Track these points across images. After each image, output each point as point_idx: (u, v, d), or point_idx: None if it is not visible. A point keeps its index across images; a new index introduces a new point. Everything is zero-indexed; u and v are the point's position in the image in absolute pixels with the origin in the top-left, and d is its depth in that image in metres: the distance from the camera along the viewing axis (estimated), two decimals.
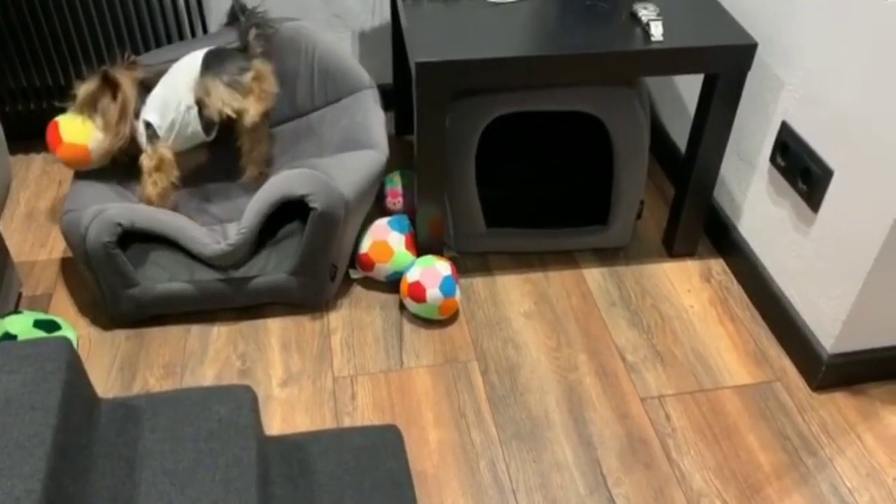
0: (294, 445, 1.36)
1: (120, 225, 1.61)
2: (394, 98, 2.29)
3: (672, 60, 1.63)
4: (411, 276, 1.75)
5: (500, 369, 1.69)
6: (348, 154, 1.77)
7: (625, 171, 1.80)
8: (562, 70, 1.62)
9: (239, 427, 1.20)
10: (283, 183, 1.65)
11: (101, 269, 1.64)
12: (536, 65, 1.60)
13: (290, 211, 1.69)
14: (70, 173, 2.18)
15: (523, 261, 1.95)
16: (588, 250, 1.98)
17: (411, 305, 1.76)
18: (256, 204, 1.66)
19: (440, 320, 1.78)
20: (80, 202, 1.76)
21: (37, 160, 2.27)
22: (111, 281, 1.67)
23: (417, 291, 1.73)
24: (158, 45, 2.13)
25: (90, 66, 2.13)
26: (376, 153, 1.78)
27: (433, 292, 1.72)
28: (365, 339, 1.75)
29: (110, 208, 1.64)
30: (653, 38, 1.63)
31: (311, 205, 1.61)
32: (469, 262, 1.95)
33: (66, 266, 1.91)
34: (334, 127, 1.93)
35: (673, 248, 1.96)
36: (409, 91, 2.24)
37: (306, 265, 1.70)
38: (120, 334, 1.74)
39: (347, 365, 1.69)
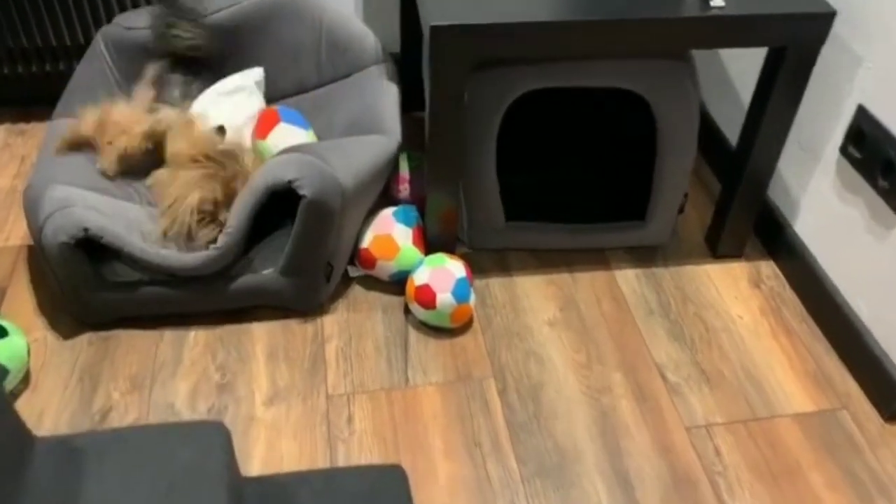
0: (278, 489, 1.13)
1: (86, 230, 1.37)
2: (401, 68, 2.03)
3: (734, 31, 1.38)
4: (419, 278, 1.51)
5: (521, 389, 1.45)
6: (352, 138, 1.52)
7: (669, 159, 1.55)
8: (602, 39, 1.36)
9: (207, 475, 0.97)
10: (268, 170, 1.40)
11: (58, 268, 1.40)
12: (572, 32, 1.34)
13: (287, 203, 1.44)
14: (37, 148, 1.94)
15: (546, 259, 1.71)
16: (621, 248, 1.74)
17: (419, 311, 1.52)
18: (242, 199, 1.41)
19: (451, 329, 1.55)
20: (45, 176, 1.52)
21: None
22: (71, 281, 1.43)
23: (426, 296, 1.49)
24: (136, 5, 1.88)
25: (57, 26, 1.87)
26: (386, 139, 1.53)
27: (444, 297, 1.48)
28: (364, 350, 1.51)
29: (77, 202, 1.39)
30: (712, 4, 1.37)
31: (300, 192, 1.36)
32: (485, 260, 1.70)
33: (26, 256, 1.67)
34: (342, 107, 1.68)
35: (718, 247, 1.71)
36: (419, 60, 1.98)
37: (298, 263, 1.45)
38: (82, 339, 1.51)
39: (344, 380, 1.46)
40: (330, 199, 1.38)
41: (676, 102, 1.48)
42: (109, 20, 1.83)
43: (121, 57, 1.75)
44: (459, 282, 1.50)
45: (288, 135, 1.58)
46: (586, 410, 1.42)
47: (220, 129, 1.61)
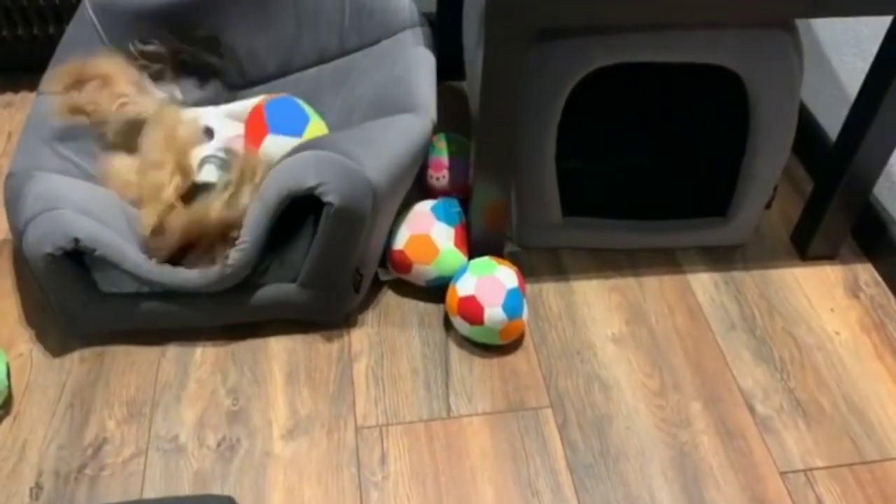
0: None
1: (77, 241, 1.15)
2: (437, 30, 1.78)
3: None
4: (464, 288, 1.28)
5: (585, 422, 1.23)
6: (378, 122, 1.28)
7: (763, 147, 1.30)
8: (692, 4, 1.11)
9: None
10: (285, 174, 1.16)
11: (43, 279, 1.19)
12: None
13: (304, 201, 1.20)
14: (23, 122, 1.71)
15: (607, 259, 1.48)
16: (694, 247, 1.50)
17: (462, 326, 1.30)
18: (256, 208, 1.18)
19: (500, 345, 1.33)
20: (28, 162, 1.30)
21: None
22: (58, 293, 1.22)
23: (472, 309, 1.27)
24: None
25: None
26: (417, 118, 1.28)
27: (494, 312, 1.26)
28: (399, 370, 1.30)
29: (66, 202, 1.17)
30: None
31: (325, 199, 1.13)
32: (536, 261, 1.47)
33: (11, 253, 1.46)
34: (367, 79, 1.43)
35: (808, 248, 1.47)
36: (458, 21, 1.72)
37: (321, 274, 1.23)
38: (73, 355, 1.30)
39: (375, 409, 1.24)
40: (360, 204, 1.15)
41: (776, 80, 1.22)
42: None
43: (111, 24, 1.50)
44: (511, 293, 1.27)
45: (279, 148, 1.32)
46: (662, 450, 1.20)
47: (208, 132, 1.38)
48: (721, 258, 1.48)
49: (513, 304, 1.26)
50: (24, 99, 1.79)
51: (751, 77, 1.22)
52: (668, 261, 1.47)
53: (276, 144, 1.32)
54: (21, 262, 1.41)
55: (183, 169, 1.28)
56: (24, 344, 1.31)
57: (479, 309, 1.26)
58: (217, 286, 1.20)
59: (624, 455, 1.19)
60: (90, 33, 1.51)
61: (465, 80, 1.80)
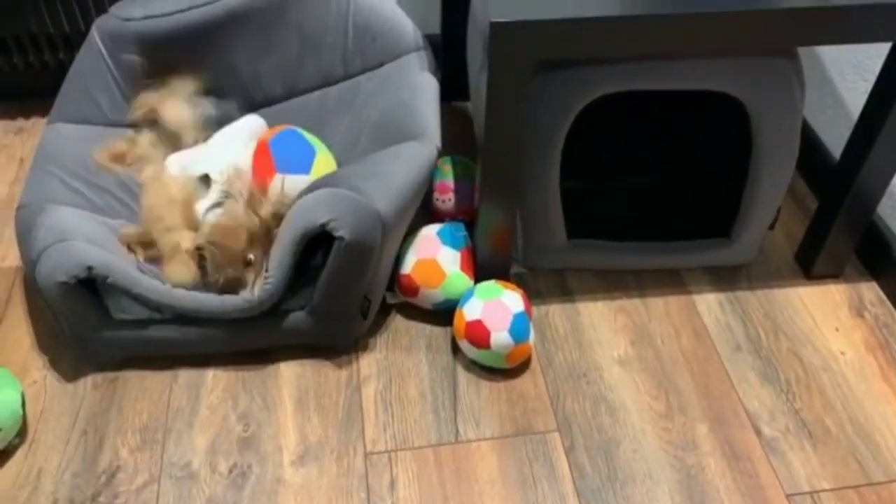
0: None
1: (90, 269, 1.17)
2: (441, 50, 1.80)
3: (859, 22, 1.13)
4: (470, 312, 1.30)
5: (592, 445, 1.24)
6: (385, 153, 1.29)
7: (767, 170, 1.31)
8: (693, 36, 1.12)
9: None
10: (301, 213, 1.19)
11: (56, 308, 1.21)
12: (658, 28, 1.10)
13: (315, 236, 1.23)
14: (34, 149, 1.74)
15: (613, 280, 1.49)
16: (699, 267, 1.51)
17: (469, 350, 1.32)
18: (280, 245, 1.20)
19: (507, 369, 1.34)
20: (38, 194, 1.33)
21: None
22: (71, 321, 1.24)
23: (478, 333, 1.28)
24: None
25: (54, 12, 1.66)
26: (423, 146, 1.30)
27: (500, 336, 1.27)
28: (407, 395, 1.31)
29: (76, 234, 1.19)
30: None
31: (336, 234, 1.15)
32: (542, 282, 1.49)
33: (23, 279, 1.48)
34: (372, 104, 1.45)
35: (812, 267, 1.48)
36: (462, 42, 1.74)
37: (330, 303, 1.25)
38: (86, 381, 1.32)
39: (384, 434, 1.26)
40: (370, 237, 1.17)
41: (778, 107, 1.24)
42: (112, 5, 1.61)
43: (119, 53, 1.51)
44: (517, 318, 1.28)
45: (289, 187, 1.34)
46: (669, 473, 1.21)
47: (205, 179, 1.39)
48: (726, 278, 1.50)
49: (519, 328, 1.28)
50: (36, 125, 1.81)
51: (753, 104, 1.23)
52: (674, 281, 1.49)
53: (285, 183, 1.34)
54: (33, 291, 1.43)
55: (191, 224, 1.31)
56: (38, 371, 1.33)
57: (486, 333, 1.27)
58: (234, 315, 1.22)
59: (631, 478, 1.20)
60: (97, 62, 1.53)
61: (468, 101, 1.82)
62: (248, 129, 1.50)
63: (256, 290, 1.23)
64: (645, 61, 1.18)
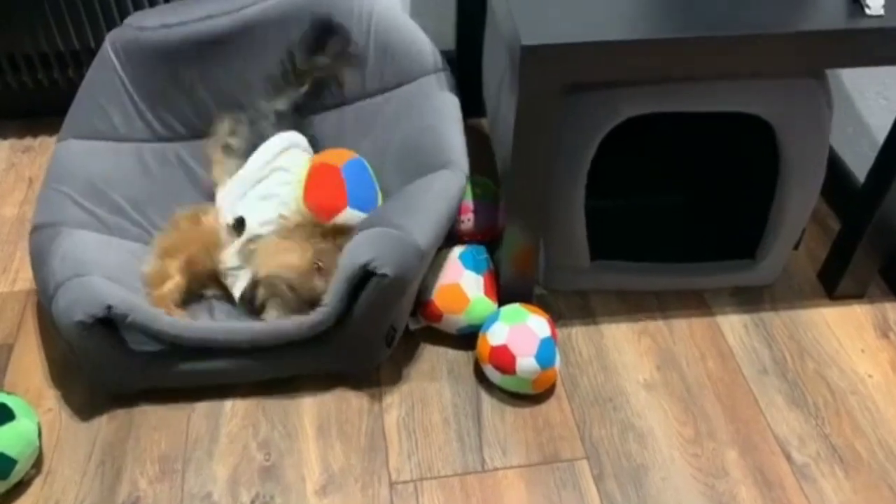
0: None
1: (110, 308, 1.14)
2: (456, 70, 1.78)
3: (891, 44, 1.11)
4: (495, 337, 1.27)
5: (621, 474, 1.22)
6: (418, 186, 1.28)
7: (794, 190, 1.30)
8: (725, 58, 1.11)
9: None
10: (349, 253, 1.20)
11: (74, 343, 1.18)
12: (690, 51, 1.09)
13: None
14: (45, 169, 1.70)
15: (635, 302, 1.47)
16: (722, 288, 1.49)
17: (494, 375, 1.29)
18: (337, 283, 1.21)
19: (532, 395, 1.32)
20: (50, 215, 1.30)
21: (2, 147, 1.79)
22: (89, 356, 1.21)
23: (504, 359, 1.26)
24: (154, 4, 1.62)
25: (64, 28, 1.63)
26: (453, 175, 1.29)
27: (526, 362, 1.25)
28: (431, 422, 1.29)
29: (93, 266, 1.17)
30: (868, 12, 1.10)
31: (379, 271, 1.14)
32: (563, 304, 1.47)
33: (35, 304, 1.45)
34: (394, 128, 1.43)
35: (836, 288, 1.46)
36: (477, 62, 1.73)
37: (358, 334, 1.22)
38: (102, 410, 1.28)
39: (408, 462, 1.23)
40: (411, 272, 1.16)
41: (807, 127, 1.22)
42: (123, 19, 1.59)
43: (134, 65, 1.49)
44: (544, 343, 1.26)
45: (351, 221, 1.32)
46: (700, 501, 1.19)
47: (239, 224, 1.36)
48: (749, 299, 1.48)
49: (546, 353, 1.26)
50: (44, 144, 1.78)
51: (781, 125, 1.22)
52: (697, 302, 1.47)
53: (350, 217, 1.32)
54: (45, 315, 1.40)
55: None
56: (53, 399, 1.30)
57: (511, 359, 1.25)
58: (253, 345, 1.20)
59: None
60: (111, 76, 1.50)
61: (483, 118, 1.80)
62: (281, 146, 1.47)
63: (312, 315, 1.21)
64: (673, 83, 1.16)
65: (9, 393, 1.21)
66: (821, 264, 1.52)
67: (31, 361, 1.36)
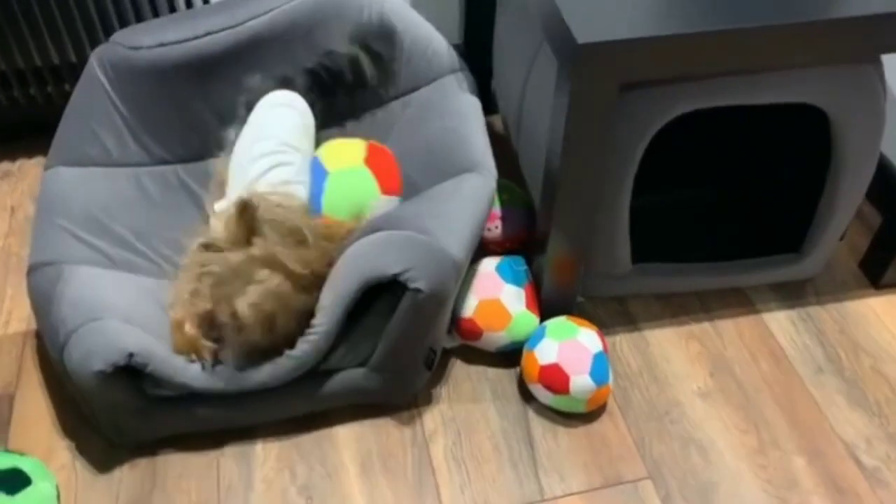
0: None
1: (131, 356, 1.03)
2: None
3: None
4: (544, 355, 1.19)
5: (688, 492, 1.15)
6: (443, 188, 1.18)
7: (847, 180, 1.23)
8: (783, 47, 1.03)
9: None
10: (363, 259, 1.06)
11: (90, 395, 1.07)
12: (747, 41, 1.01)
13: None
14: (28, 196, 1.57)
15: (677, 305, 1.40)
16: (764, 284, 1.43)
17: (544, 396, 1.21)
18: (332, 295, 1.07)
19: (584, 413, 1.24)
20: (51, 253, 1.18)
21: None
22: (106, 407, 1.10)
23: (556, 378, 1.18)
24: (139, 17, 1.50)
25: (41, 42, 1.50)
26: (482, 178, 1.19)
27: (580, 381, 1.17)
28: (480, 449, 1.20)
29: (105, 308, 1.05)
30: None
31: (412, 285, 1.03)
32: (603, 312, 1.39)
33: (34, 347, 1.33)
34: (413, 132, 1.33)
35: (881, 277, 1.41)
36: (486, 57, 1.63)
37: (395, 357, 1.13)
38: (122, 462, 1.17)
39: (462, 496, 1.15)
40: (447, 287, 1.05)
41: (863, 114, 1.16)
42: (107, 33, 1.46)
43: (126, 84, 1.36)
44: (597, 358, 1.18)
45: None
46: None
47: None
48: (793, 293, 1.42)
49: (600, 370, 1.18)
50: (24, 168, 1.64)
51: (836, 113, 1.15)
52: (740, 300, 1.40)
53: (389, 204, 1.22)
54: (48, 360, 1.28)
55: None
56: (66, 453, 1.19)
57: (565, 378, 1.17)
58: (280, 381, 1.09)
59: None
60: (101, 97, 1.37)
61: (493, 114, 1.71)
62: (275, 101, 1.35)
63: (299, 345, 1.10)
64: (726, 77, 1.09)
65: (21, 454, 1.09)
66: (861, 254, 1.47)
67: (36, 413, 1.24)
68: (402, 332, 1.08)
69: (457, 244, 1.08)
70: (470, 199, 1.15)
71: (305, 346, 1.07)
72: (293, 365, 1.08)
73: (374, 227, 1.10)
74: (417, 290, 1.03)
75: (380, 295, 1.11)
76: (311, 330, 1.07)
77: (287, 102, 1.34)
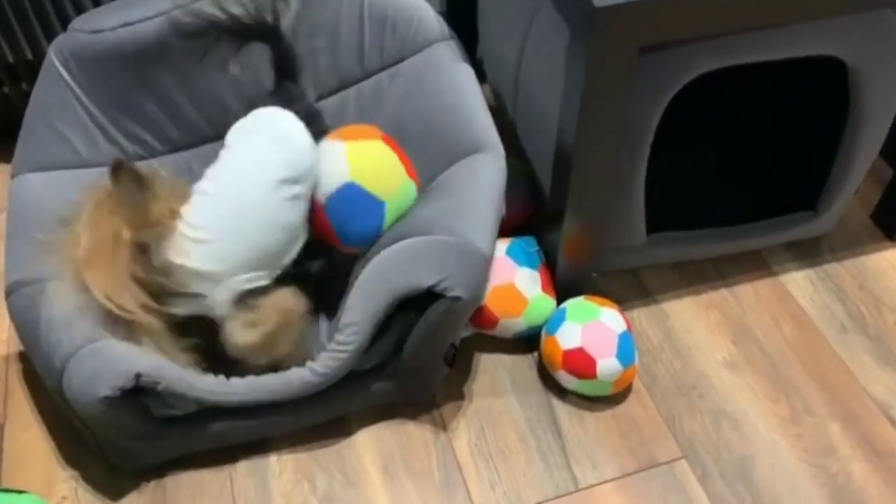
0: None
1: (139, 376, 0.95)
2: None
3: None
4: (567, 339, 1.13)
5: (726, 469, 1.11)
6: (454, 176, 1.10)
7: (865, 132, 1.18)
8: (804, 2, 0.97)
9: None
10: (394, 271, 0.99)
11: (94, 423, 0.99)
12: None
13: None
14: None
15: (692, 272, 1.35)
16: (778, 244, 1.38)
17: (569, 381, 1.16)
18: (361, 311, 0.99)
19: (610, 395, 1.19)
20: (28, 270, 1.09)
21: None
22: (110, 433, 1.02)
23: (581, 363, 1.12)
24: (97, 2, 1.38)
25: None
26: (493, 159, 1.12)
27: (607, 363, 1.12)
28: (506, 442, 1.15)
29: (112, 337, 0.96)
30: None
31: (450, 293, 0.97)
32: (617, 286, 1.33)
33: (19, 368, 1.24)
34: (406, 106, 1.24)
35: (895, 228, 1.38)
36: (470, 23, 1.55)
37: (418, 359, 1.06)
38: (128, 487, 1.10)
39: (493, 493, 1.09)
40: (483, 287, 0.99)
41: (883, 64, 1.10)
42: (64, 26, 1.34)
43: (89, 75, 1.25)
44: (622, 338, 1.13)
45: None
46: (814, 487, 1.09)
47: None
48: (808, 251, 1.38)
49: (626, 350, 1.13)
50: None
51: (857, 63, 1.09)
52: (756, 263, 1.36)
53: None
54: (36, 377, 1.20)
55: None
56: (67, 484, 1.11)
57: (591, 362, 1.12)
58: (303, 393, 1.02)
59: (778, 500, 1.08)
60: (63, 92, 1.26)
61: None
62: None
63: (326, 361, 1.03)
64: (745, 33, 1.02)
65: (18, 491, 1.01)
66: (871, 207, 1.43)
67: (28, 441, 1.15)
68: (431, 335, 1.02)
69: (482, 238, 1.02)
70: (487, 184, 1.08)
71: (333, 363, 1.00)
72: (319, 381, 1.01)
73: (398, 235, 1.03)
74: (456, 298, 0.96)
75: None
76: (339, 346, 1.00)
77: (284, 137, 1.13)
